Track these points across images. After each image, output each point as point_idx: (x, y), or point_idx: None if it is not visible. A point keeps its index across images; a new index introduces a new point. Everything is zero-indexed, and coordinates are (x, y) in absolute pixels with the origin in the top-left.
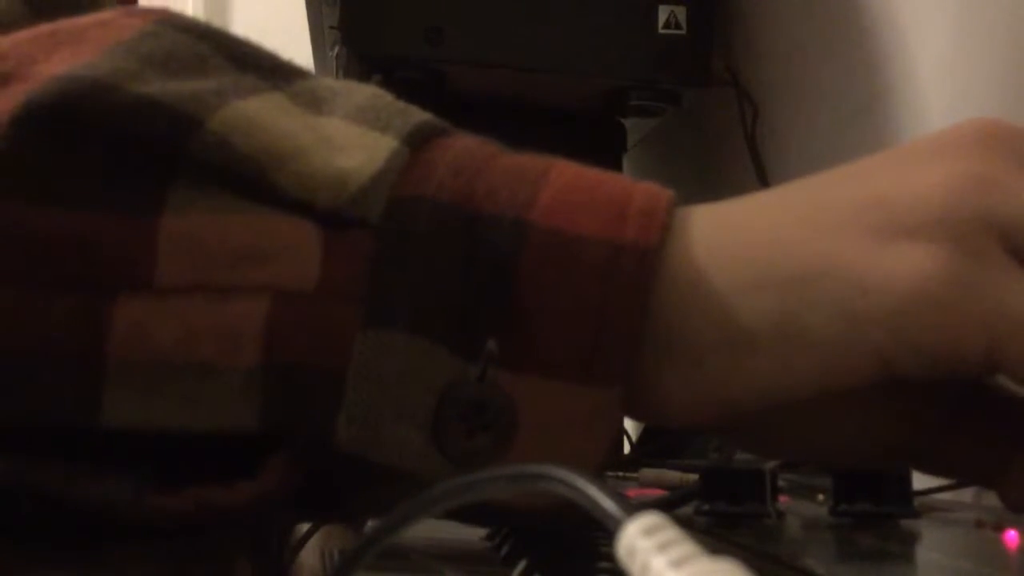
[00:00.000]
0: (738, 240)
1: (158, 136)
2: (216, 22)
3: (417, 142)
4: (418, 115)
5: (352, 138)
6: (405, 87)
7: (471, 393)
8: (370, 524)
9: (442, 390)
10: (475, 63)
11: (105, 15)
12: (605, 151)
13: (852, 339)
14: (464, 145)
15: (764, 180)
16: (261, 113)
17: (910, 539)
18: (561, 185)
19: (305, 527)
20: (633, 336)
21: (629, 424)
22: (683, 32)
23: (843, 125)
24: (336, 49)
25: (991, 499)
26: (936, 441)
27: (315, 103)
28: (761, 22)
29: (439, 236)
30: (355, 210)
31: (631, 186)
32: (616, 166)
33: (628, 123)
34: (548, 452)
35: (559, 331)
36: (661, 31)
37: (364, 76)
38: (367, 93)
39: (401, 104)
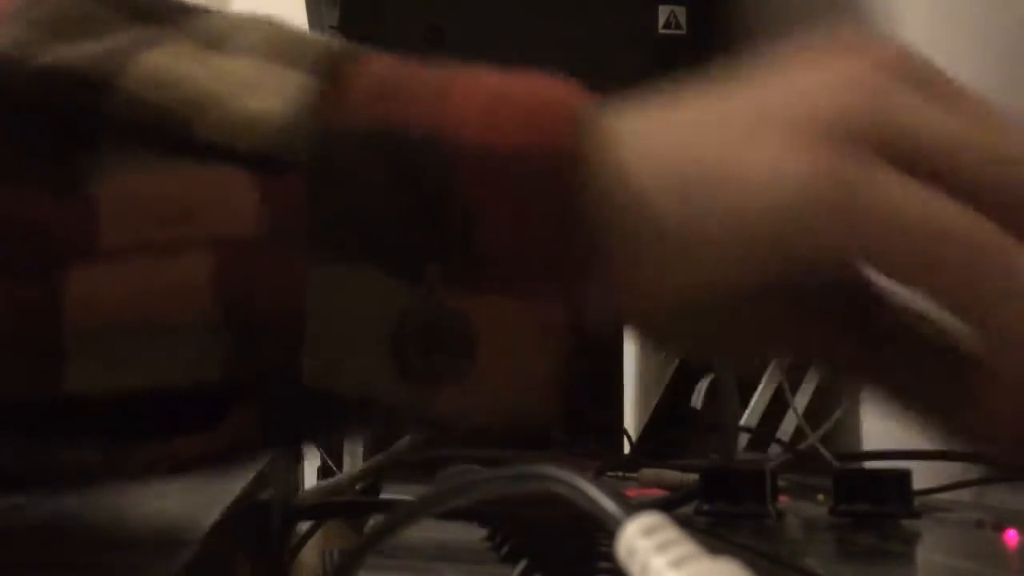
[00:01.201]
0: (655, 146)
1: (70, 105)
2: None
3: (326, 73)
4: (321, 45)
5: (263, 77)
6: None
7: (425, 315)
8: (370, 524)
9: (397, 316)
10: (475, 63)
11: None
12: None
13: (745, 240)
14: (375, 70)
15: None
16: (168, 64)
17: (910, 539)
18: (484, 100)
19: (305, 527)
20: (569, 244)
21: (629, 424)
22: (683, 32)
23: None
24: None
25: (991, 499)
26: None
27: (218, 42)
28: (761, 23)
29: (369, 167)
30: (280, 152)
31: (551, 93)
32: None
33: None
34: (506, 367)
35: (500, 247)
36: (661, 31)
37: None
38: (265, 27)
39: (300, 34)
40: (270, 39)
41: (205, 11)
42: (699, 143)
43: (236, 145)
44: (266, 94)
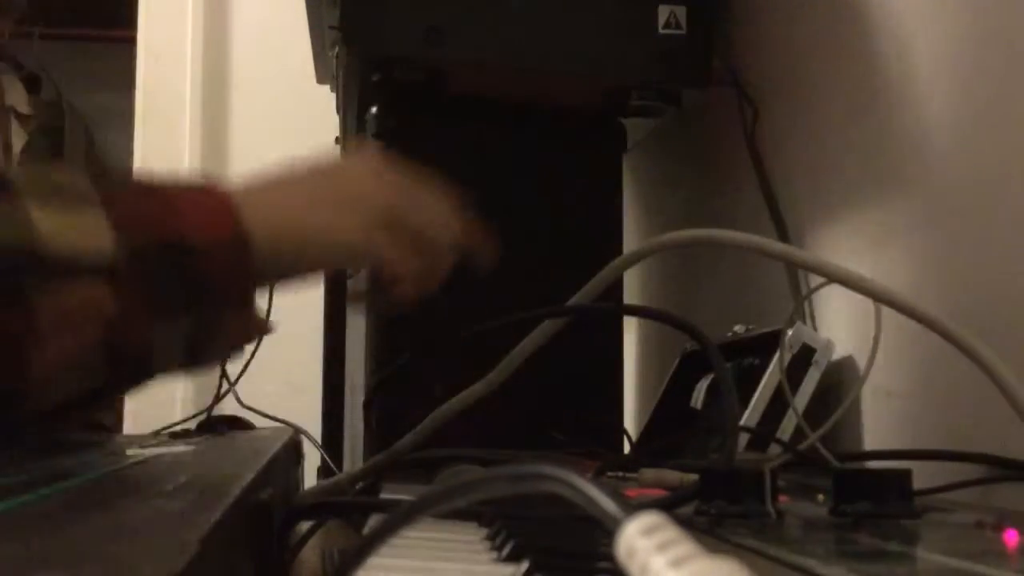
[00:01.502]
0: (275, 213)
1: (13, 266)
2: (216, 22)
3: (110, 207)
4: (87, 184)
5: (86, 224)
6: (405, 87)
7: (204, 328)
8: (370, 524)
9: (188, 332)
10: (475, 63)
11: None
12: (605, 151)
13: (331, 260)
14: (132, 202)
15: (764, 180)
16: (42, 223)
17: (910, 539)
18: (200, 212)
19: (305, 527)
20: (252, 277)
21: (629, 424)
22: (683, 32)
23: (843, 125)
24: (336, 49)
25: (991, 499)
26: None
27: (54, 194)
28: (761, 22)
29: (162, 262)
30: (114, 264)
31: (219, 199)
32: (616, 166)
33: (628, 123)
34: (238, 336)
35: (230, 290)
36: (661, 31)
37: (364, 76)
38: (58, 176)
39: (72, 177)
40: (65, 186)
41: (21, 175)
42: (300, 212)
43: (101, 264)
44: (86, 233)
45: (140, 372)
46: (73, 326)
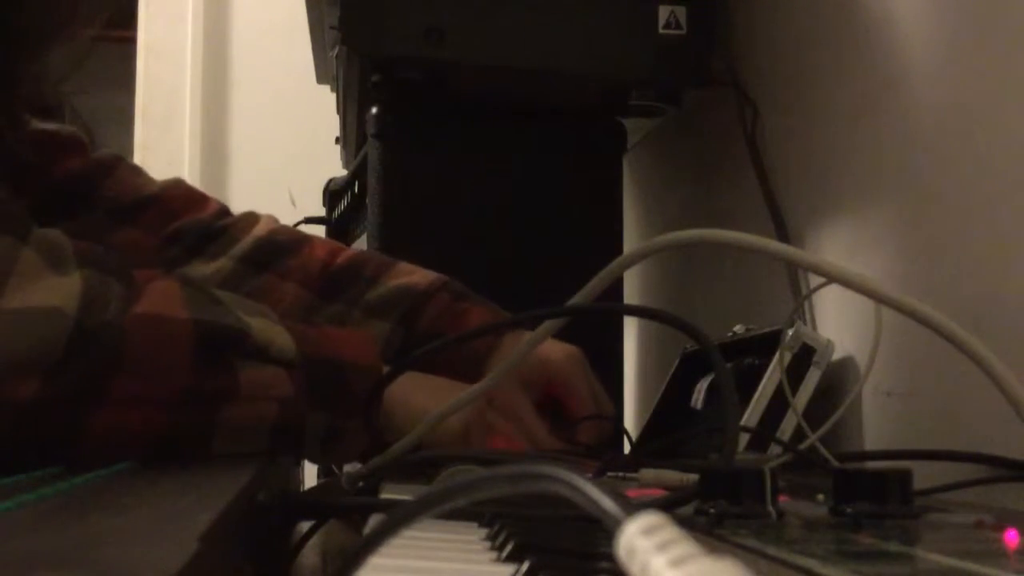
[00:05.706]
0: (399, 386)
1: (229, 339)
2: (216, 22)
3: (289, 326)
4: (276, 315)
5: (277, 331)
6: (405, 87)
7: (335, 429)
8: (370, 524)
9: (326, 427)
10: (475, 63)
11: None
12: (605, 151)
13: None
14: (302, 327)
15: (764, 180)
16: (251, 321)
17: (910, 539)
18: (349, 344)
19: (305, 527)
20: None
21: (629, 424)
22: (683, 32)
23: (843, 125)
24: (336, 49)
25: (991, 499)
26: None
27: (256, 311)
28: (761, 22)
29: (320, 368)
30: (292, 360)
31: (366, 338)
32: (616, 166)
33: (628, 123)
34: (353, 443)
35: (360, 403)
36: (661, 31)
37: (364, 76)
38: (262, 307)
39: (273, 314)
40: (262, 309)
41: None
42: (414, 392)
43: (280, 358)
44: (278, 336)
45: (293, 447)
46: (260, 396)
